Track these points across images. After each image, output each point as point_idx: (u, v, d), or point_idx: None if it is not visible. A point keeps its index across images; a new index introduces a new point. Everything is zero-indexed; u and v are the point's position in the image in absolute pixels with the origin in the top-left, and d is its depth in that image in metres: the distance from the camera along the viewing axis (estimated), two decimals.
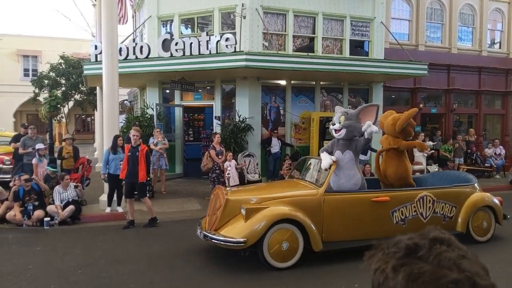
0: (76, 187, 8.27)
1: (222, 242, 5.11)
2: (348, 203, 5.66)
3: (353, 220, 5.59)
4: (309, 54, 11.53)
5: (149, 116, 11.68)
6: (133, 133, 7.61)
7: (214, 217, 5.43)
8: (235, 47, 10.11)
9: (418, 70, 12.05)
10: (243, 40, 10.87)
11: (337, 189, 5.82)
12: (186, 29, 12.80)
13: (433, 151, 12.57)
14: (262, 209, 5.16)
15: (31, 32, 28.76)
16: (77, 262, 5.55)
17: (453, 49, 14.93)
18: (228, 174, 9.06)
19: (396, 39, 12.91)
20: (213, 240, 5.20)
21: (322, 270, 5.26)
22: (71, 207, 7.65)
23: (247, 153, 10.55)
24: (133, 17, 15.98)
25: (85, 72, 11.80)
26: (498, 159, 13.59)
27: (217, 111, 11.87)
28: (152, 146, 9.90)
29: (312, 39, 12.20)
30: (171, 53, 10.54)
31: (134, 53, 10.95)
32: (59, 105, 17.95)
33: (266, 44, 11.56)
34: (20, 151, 9.09)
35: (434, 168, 11.14)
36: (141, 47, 10.98)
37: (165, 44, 10.66)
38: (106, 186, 8.29)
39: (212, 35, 10.75)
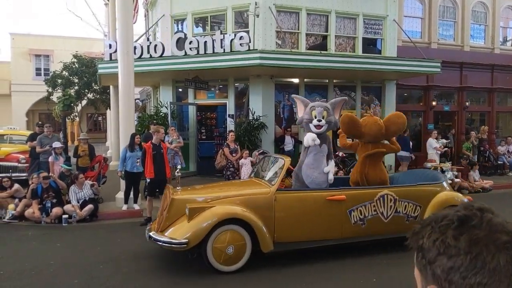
0: (92, 185, 8.37)
1: (164, 244, 4.89)
2: (302, 202, 5.40)
3: (308, 220, 5.31)
4: (322, 52, 11.52)
5: (163, 115, 11.78)
6: (161, 131, 7.87)
7: (161, 217, 5.25)
8: (248, 46, 10.15)
9: (431, 68, 11.98)
10: (256, 39, 10.91)
11: (309, 183, 5.68)
12: (197, 27, 12.86)
13: (446, 148, 12.51)
14: (206, 208, 4.93)
15: (43, 31, 28.95)
16: (98, 258, 5.63)
17: (465, 46, 14.82)
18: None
19: (408, 37, 12.85)
20: (156, 242, 4.98)
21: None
22: (89, 206, 7.74)
23: (261, 151, 10.56)
24: (145, 16, 16.09)
25: (100, 71, 11.92)
26: (511, 156, 13.52)
27: (230, 109, 11.92)
28: (167, 145, 9.97)
29: (325, 37, 12.19)
30: (185, 52, 10.61)
31: (148, 52, 11.04)
32: (72, 104, 18.18)
33: (279, 42, 11.58)
34: (38, 149, 9.21)
35: (447, 165, 11.06)
36: (155, 46, 11.06)
37: (179, 43, 10.74)
38: (122, 183, 8.37)
39: (226, 33, 10.80)
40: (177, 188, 5.67)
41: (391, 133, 6.34)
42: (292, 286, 4.70)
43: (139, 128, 11.17)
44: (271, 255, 5.22)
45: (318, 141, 5.70)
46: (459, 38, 14.83)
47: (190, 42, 10.61)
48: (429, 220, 0.85)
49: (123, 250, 5.98)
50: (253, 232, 4.97)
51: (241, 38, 10.18)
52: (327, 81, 12.28)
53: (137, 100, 19.31)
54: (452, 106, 14.93)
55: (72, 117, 19.56)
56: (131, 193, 8.20)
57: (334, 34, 12.07)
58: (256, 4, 10.90)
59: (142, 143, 8.45)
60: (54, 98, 18.70)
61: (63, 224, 7.45)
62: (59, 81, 18.24)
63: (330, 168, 5.86)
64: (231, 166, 9.33)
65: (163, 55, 11.00)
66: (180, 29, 12.68)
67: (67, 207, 7.79)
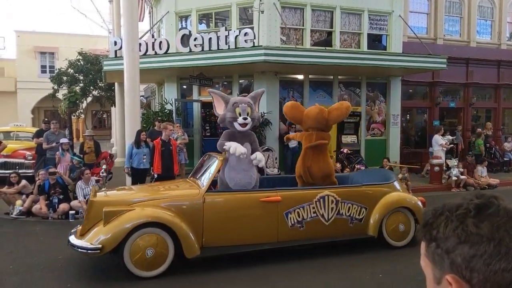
0: (97, 181, 8.42)
1: (79, 249, 4.61)
2: (233, 204, 5.09)
3: (240, 223, 5.02)
4: (327, 48, 11.49)
5: (167, 112, 11.81)
6: (170, 128, 8.00)
7: (84, 220, 5.04)
8: (253, 42, 10.14)
9: (436, 64, 11.92)
10: (261, 35, 10.89)
11: (233, 186, 5.31)
12: (201, 24, 12.86)
13: (452, 145, 12.46)
14: (125, 212, 4.63)
15: (47, 29, 29.06)
16: None
17: (471, 42, 14.72)
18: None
19: (414, 33, 12.79)
20: (73, 247, 4.72)
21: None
22: None
23: (265, 147, 10.59)
24: (150, 14, 16.10)
25: (105, 68, 11.95)
26: None
27: None
28: None
29: (330, 33, 12.15)
30: (190, 49, 10.62)
31: (153, 49, 11.05)
32: (78, 101, 18.29)
33: (284, 38, 11.56)
34: (44, 146, 9.27)
35: (453, 162, 11.02)
36: (160, 42, 11.08)
37: (184, 40, 10.75)
38: (128, 180, 8.42)
39: (230, 30, 10.80)
40: (103, 189, 5.48)
41: (334, 118, 6.09)
42: None
43: (144, 125, 11.20)
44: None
45: (245, 155, 5.22)
46: (465, 34, 14.73)
47: (195, 39, 10.61)
48: (440, 210, 0.84)
49: None
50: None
51: (245, 34, 10.17)
52: (331, 77, 12.25)
53: (141, 97, 19.36)
54: (457, 103, 14.86)
55: (77, 114, 19.69)
56: None
57: (339, 30, 12.03)
58: (260, 1, 10.88)
59: (148, 140, 8.51)
60: (60, 95, 18.82)
61: (70, 220, 7.51)
62: (65, 78, 18.32)
63: (259, 156, 5.39)
64: None
65: (168, 52, 11.02)
66: (184, 26, 12.69)
67: (74, 203, 7.85)
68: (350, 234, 5.52)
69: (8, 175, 8.32)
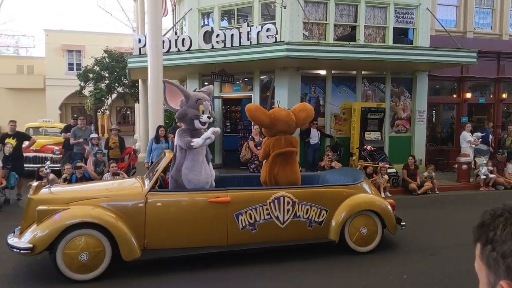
0: (117, 174, 8.57)
1: (12, 248, 4.39)
2: (179, 205, 4.82)
3: (186, 225, 4.71)
4: (351, 43, 11.27)
5: None
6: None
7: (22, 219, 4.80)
8: (275, 38, 10.06)
9: (466, 58, 11.50)
10: (283, 30, 10.79)
11: (193, 186, 5.02)
12: (224, 21, 12.87)
13: (480, 142, 12.01)
14: (59, 211, 4.40)
15: (75, 27, 29.79)
16: None
17: (504, 35, 14.13)
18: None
19: (443, 26, 12.37)
20: (7, 245, 4.48)
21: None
22: None
23: None
24: (173, 11, 16.24)
25: (129, 65, 12.13)
26: None
27: (255, 102, 11.87)
28: None
29: (353, 28, 11.91)
30: (212, 45, 10.65)
31: (176, 46, 11.15)
32: (103, 98, 18.72)
33: (307, 33, 11.42)
34: (71, 141, 9.51)
35: (482, 160, 10.63)
36: (183, 39, 11.17)
37: (206, 36, 10.79)
38: None
39: (253, 26, 10.75)
40: (47, 186, 5.29)
41: (301, 120, 5.74)
42: None
43: (167, 121, 11.33)
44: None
45: (218, 130, 5.12)
46: (496, 27, 14.15)
47: (217, 35, 10.62)
48: (499, 211, 0.79)
49: None
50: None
51: (268, 30, 10.09)
52: (355, 72, 12.01)
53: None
54: (487, 98, 14.32)
55: (102, 110, 20.16)
56: None
57: (363, 24, 11.77)
58: None
59: (170, 135, 8.60)
60: (86, 92, 19.28)
61: None
62: (91, 75, 18.76)
63: (209, 131, 4.99)
64: (255, 159, 9.32)
65: (191, 49, 11.08)
66: (207, 22, 12.73)
67: None
68: (309, 238, 5.16)
69: (37, 169, 8.57)
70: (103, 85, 18.39)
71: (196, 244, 4.75)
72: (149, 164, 8.26)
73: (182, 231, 4.70)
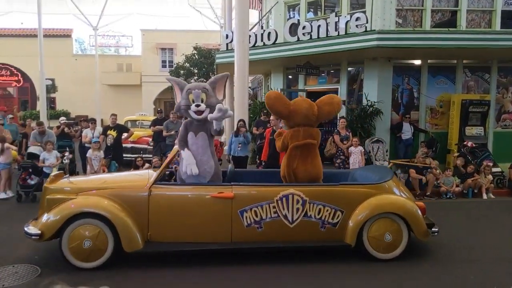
0: None
1: (26, 234, 4.56)
2: (182, 199, 4.70)
3: (189, 219, 4.60)
4: (450, 29, 10.27)
5: None
6: (271, 118, 8.01)
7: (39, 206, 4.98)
8: (365, 27, 9.57)
9: None
10: (373, 19, 10.21)
11: (187, 179, 4.88)
12: (310, 12, 12.62)
13: None
14: (67, 200, 4.54)
15: (167, 26, 31.69)
16: None
17: None
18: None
19: None
20: (24, 232, 4.66)
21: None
22: None
23: (375, 139, 9.97)
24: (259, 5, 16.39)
25: (217, 61, 12.51)
26: None
27: (342, 94, 11.46)
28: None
29: (454, 13, 10.84)
30: (298, 38, 10.50)
31: (262, 40, 11.21)
32: None
33: (400, 21, 10.67)
34: (164, 133, 10.08)
35: None
36: (269, 33, 11.19)
37: (292, 29, 10.68)
38: (230, 166, 8.73)
39: (341, 15, 10.36)
40: (66, 176, 5.36)
41: (324, 114, 5.27)
42: None
43: (251, 115, 11.47)
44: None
45: (196, 171, 4.79)
46: None
47: (303, 27, 10.45)
48: None
49: None
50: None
51: (357, 19, 9.64)
52: (455, 61, 10.93)
53: (248, 89, 19.97)
54: None
55: None
56: None
57: (465, 9, 10.64)
58: None
59: (254, 129, 8.71)
60: None
61: None
62: (181, 72, 19.81)
63: (214, 114, 4.76)
64: (341, 154, 9.03)
65: (276, 42, 11.05)
66: (292, 15, 12.60)
67: None
68: (321, 240, 4.78)
69: (134, 159, 9.23)
70: (192, 81, 19.34)
71: (200, 240, 4.65)
72: (230, 156, 8.46)
73: (185, 225, 4.63)
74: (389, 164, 9.29)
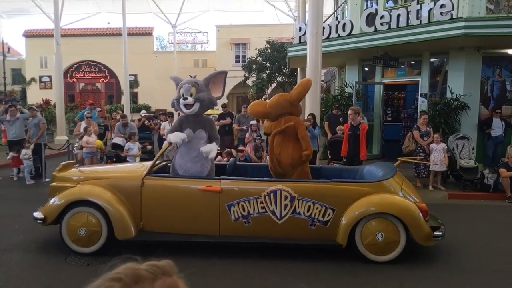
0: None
1: (34, 218, 4.92)
2: (172, 191, 4.82)
3: (180, 211, 4.73)
4: None
5: (347, 95, 11.55)
6: (349, 112, 7.92)
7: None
8: (451, 14, 8.83)
9: None
10: (461, 5, 9.37)
11: (183, 173, 5.02)
12: (388, 2, 11.95)
13: None
14: (67, 188, 4.87)
15: (240, 21, 32.30)
16: None
17: None
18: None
19: None
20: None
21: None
22: None
23: (460, 135, 9.19)
24: None
25: (289, 54, 12.42)
26: None
27: (423, 88, 10.74)
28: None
29: None
30: (375, 28, 10.02)
31: (336, 31, 10.89)
32: (264, 87, 19.85)
33: (491, 7, 9.67)
34: (235, 127, 10.30)
35: None
36: (344, 24, 10.84)
37: (369, 19, 10.21)
38: None
39: (423, 3, 9.66)
40: (76, 165, 5.56)
41: (295, 97, 5.35)
42: None
43: (323, 109, 11.23)
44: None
45: (184, 139, 4.96)
46: None
47: (382, 17, 9.93)
48: None
49: None
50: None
51: (442, 6, 8.91)
52: None
53: (321, 82, 19.62)
54: None
55: (263, 99, 21.37)
56: None
57: None
58: None
59: (307, 123, 8.64)
60: (249, 82, 20.73)
61: None
62: (254, 66, 20.03)
63: (206, 149, 4.97)
64: (421, 150, 8.50)
65: (351, 33, 10.66)
66: (370, 5, 12.04)
67: None
68: (312, 238, 4.68)
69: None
70: (264, 75, 19.44)
71: (190, 231, 4.78)
72: None
73: (176, 217, 4.79)
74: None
